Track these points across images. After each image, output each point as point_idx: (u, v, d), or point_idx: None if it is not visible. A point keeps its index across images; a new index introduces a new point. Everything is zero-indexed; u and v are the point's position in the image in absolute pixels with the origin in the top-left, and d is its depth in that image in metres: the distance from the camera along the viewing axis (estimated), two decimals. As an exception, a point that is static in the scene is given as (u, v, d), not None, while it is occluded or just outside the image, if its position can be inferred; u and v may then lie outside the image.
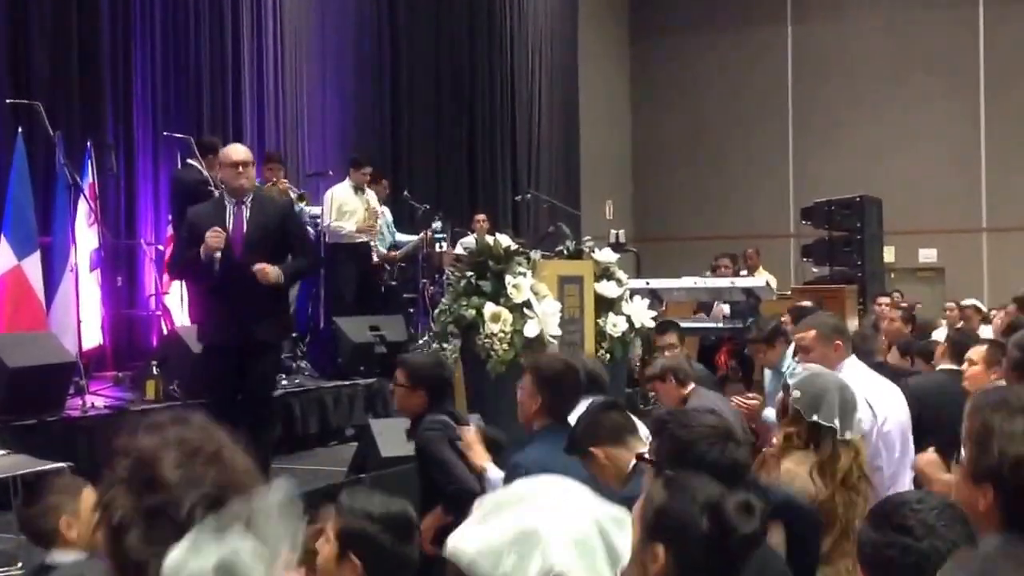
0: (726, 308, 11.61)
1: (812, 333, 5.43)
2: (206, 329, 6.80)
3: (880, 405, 5.02)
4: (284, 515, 1.61)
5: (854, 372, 5.19)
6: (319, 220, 10.59)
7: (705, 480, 2.44)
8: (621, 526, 1.85)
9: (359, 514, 3.08)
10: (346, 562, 3.02)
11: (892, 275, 17.76)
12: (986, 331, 11.34)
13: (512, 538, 1.78)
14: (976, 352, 5.89)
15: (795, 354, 6.63)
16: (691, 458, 3.00)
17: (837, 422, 4.06)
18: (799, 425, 4.13)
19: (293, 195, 10.34)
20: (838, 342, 5.39)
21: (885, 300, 12.92)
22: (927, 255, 19.93)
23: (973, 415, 3.77)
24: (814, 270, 15.26)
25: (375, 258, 10.71)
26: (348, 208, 10.77)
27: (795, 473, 4.06)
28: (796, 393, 4.21)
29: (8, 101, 8.95)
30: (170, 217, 10.01)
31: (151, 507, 1.59)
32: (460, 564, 1.81)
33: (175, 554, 1.54)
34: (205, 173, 9.12)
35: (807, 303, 9.74)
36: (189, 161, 9.47)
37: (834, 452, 4.05)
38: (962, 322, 12.90)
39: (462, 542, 1.82)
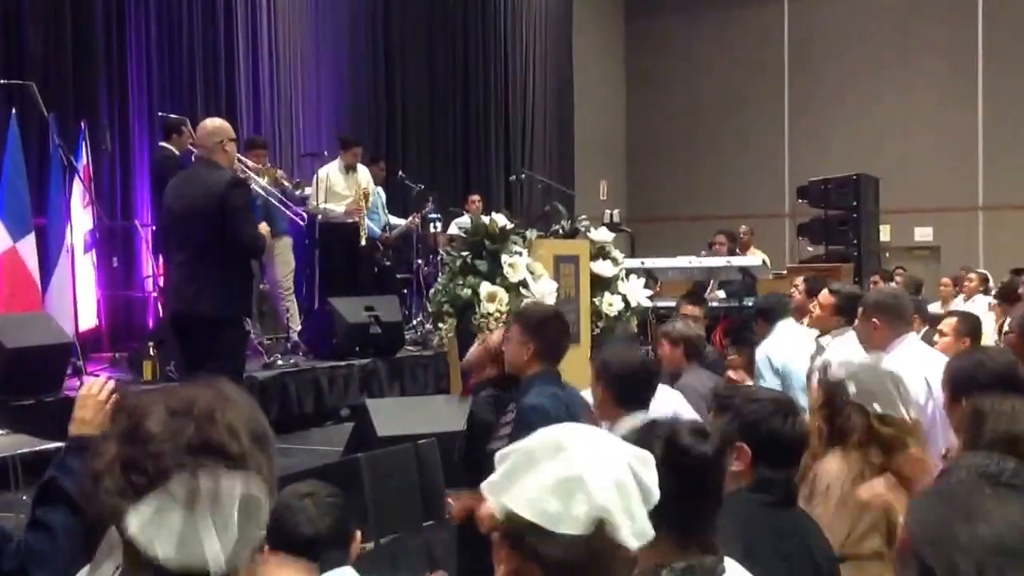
0: (720, 293, 11.63)
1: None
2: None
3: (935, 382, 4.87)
4: (248, 511, 1.61)
5: (910, 350, 5.14)
6: (311, 201, 10.57)
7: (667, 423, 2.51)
8: (647, 464, 1.88)
9: None
10: None
11: (887, 254, 17.78)
12: (982, 301, 11.39)
13: (554, 484, 1.80)
14: (947, 324, 5.97)
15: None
16: (764, 432, 3.08)
17: (902, 409, 3.84)
18: (846, 417, 3.87)
19: (287, 183, 10.29)
20: (875, 320, 5.29)
21: (876, 277, 12.94)
22: (923, 234, 19.93)
23: (961, 377, 3.85)
24: (809, 249, 15.31)
25: (362, 240, 10.65)
26: (338, 189, 10.76)
27: (840, 475, 3.83)
28: (851, 385, 3.87)
29: (1, 82, 8.92)
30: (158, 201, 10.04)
31: (130, 457, 1.59)
32: (504, 516, 1.83)
33: (145, 512, 1.55)
34: (178, 152, 9.21)
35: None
36: (161, 143, 9.51)
37: (894, 444, 3.82)
38: (963, 291, 12.97)
39: (504, 495, 1.83)
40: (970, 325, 6.01)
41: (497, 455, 1.90)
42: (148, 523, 1.55)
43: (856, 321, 5.60)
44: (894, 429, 3.79)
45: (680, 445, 2.38)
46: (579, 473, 1.80)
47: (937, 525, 1.60)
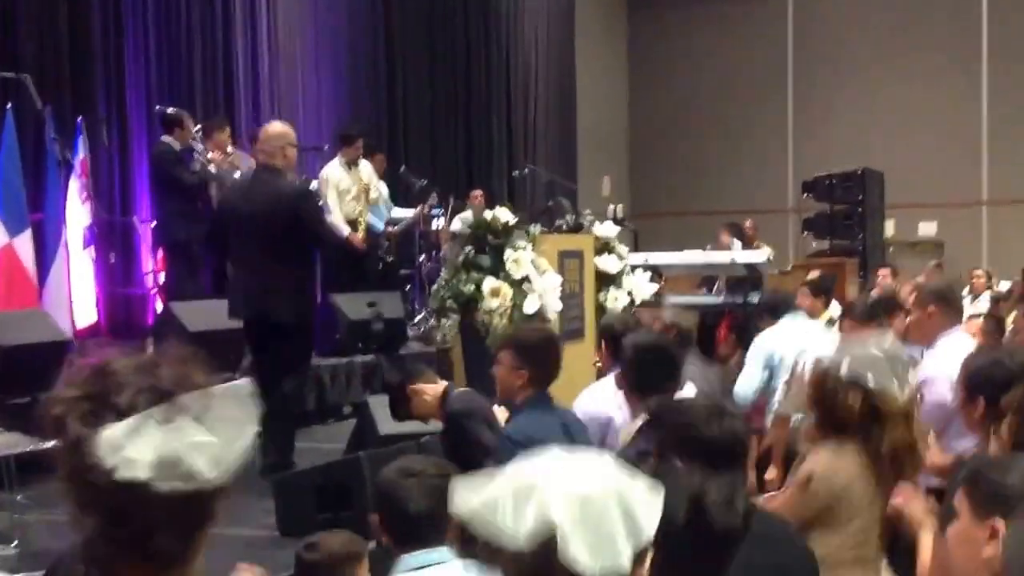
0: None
1: (912, 297, 5.36)
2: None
3: None
4: (238, 413, 1.51)
5: (955, 343, 5.01)
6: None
7: (693, 471, 2.38)
8: (648, 501, 1.70)
9: None
10: None
11: (892, 249, 17.70)
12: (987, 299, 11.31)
13: (511, 490, 1.67)
14: (972, 325, 5.93)
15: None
16: (693, 437, 2.97)
17: (896, 385, 3.73)
18: (841, 400, 3.76)
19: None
20: (932, 308, 5.20)
21: (885, 271, 12.83)
22: (927, 228, 19.84)
23: (978, 374, 3.73)
24: (814, 244, 15.25)
25: (360, 234, 10.50)
26: (344, 187, 10.64)
27: (836, 467, 3.74)
28: (843, 365, 3.77)
29: (-4, 75, 8.82)
30: (157, 197, 9.94)
31: (93, 393, 1.49)
32: (461, 517, 1.71)
33: (112, 431, 1.44)
34: (178, 145, 9.19)
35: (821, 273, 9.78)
36: (162, 138, 9.41)
37: (885, 425, 3.72)
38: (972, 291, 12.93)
39: (463, 497, 1.71)
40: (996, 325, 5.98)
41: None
42: (121, 443, 1.43)
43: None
44: (892, 407, 3.68)
45: (707, 513, 2.24)
46: (533, 481, 1.67)
47: None
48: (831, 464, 3.67)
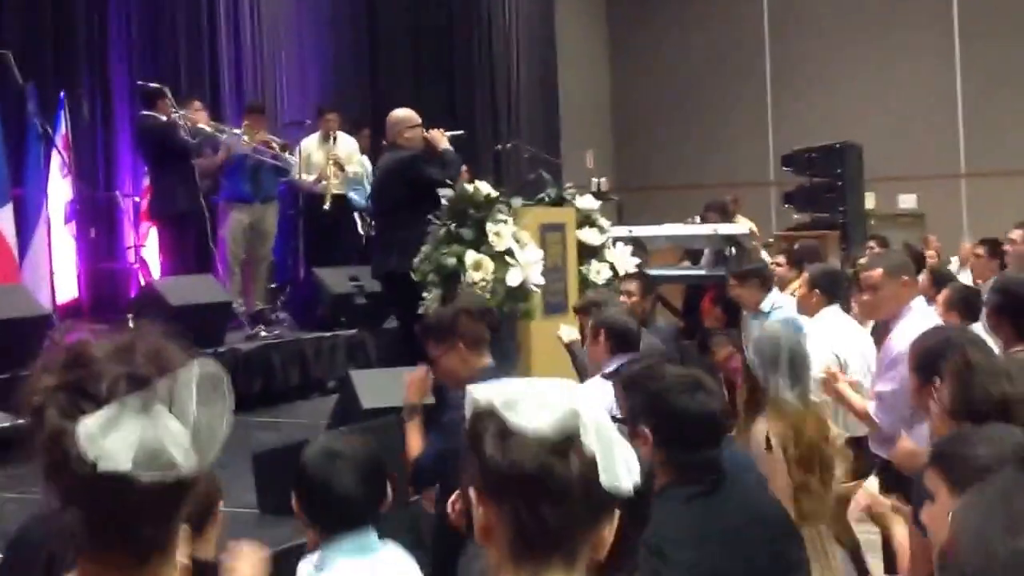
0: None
1: (879, 271, 5.19)
2: None
3: None
4: (214, 397, 1.51)
5: (923, 313, 5.01)
6: (293, 172, 10.47)
7: None
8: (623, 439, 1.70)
9: None
10: None
11: (873, 221, 17.75)
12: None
13: (543, 386, 1.66)
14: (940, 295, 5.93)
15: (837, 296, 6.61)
16: (667, 408, 2.94)
17: (782, 380, 3.93)
18: (756, 387, 4.02)
19: (276, 146, 10.24)
20: (905, 278, 5.15)
21: (872, 244, 12.89)
22: (907, 200, 19.90)
23: (930, 357, 3.68)
24: (795, 217, 15.28)
25: (326, 205, 10.51)
26: (314, 159, 10.71)
27: (759, 439, 3.95)
28: (751, 354, 4.10)
29: (-24, 51, 8.77)
30: (146, 168, 9.91)
31: (71, 381, 1.48)
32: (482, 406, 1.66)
33: (91, 421, 1.44)
34: (163, 118, 9.18)
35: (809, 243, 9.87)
36: (144, 112, 9.37)
37: (789, 413, 3.93)
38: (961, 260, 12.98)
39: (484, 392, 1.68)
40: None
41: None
42: (97, 435, 1.43)
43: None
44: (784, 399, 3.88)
45: None
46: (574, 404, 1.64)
47: (977, 536, 1.52)
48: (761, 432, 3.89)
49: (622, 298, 7.77)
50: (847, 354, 5.67)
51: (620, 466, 1.63)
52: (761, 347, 4.12)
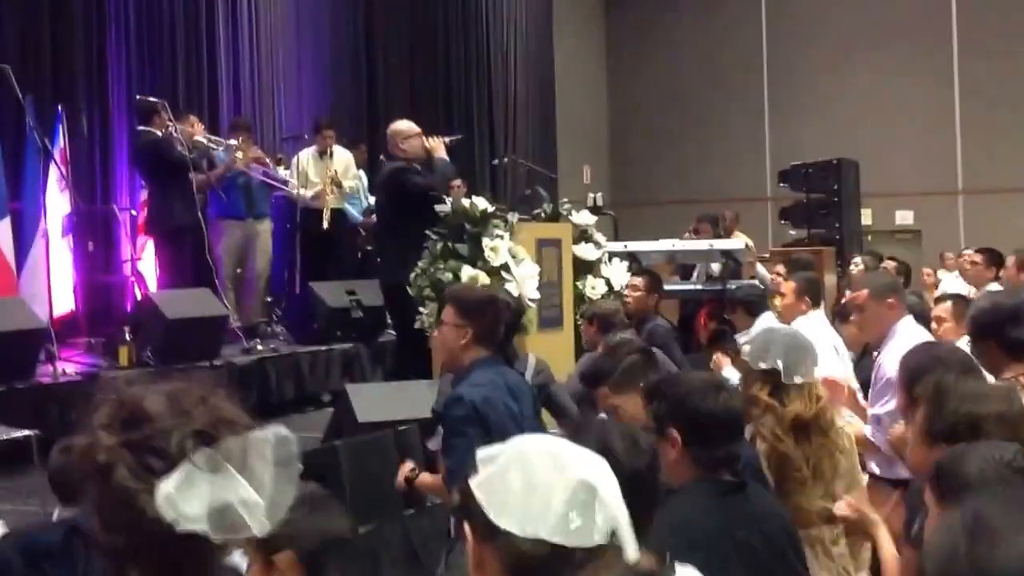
0: (715, 267, 11.62)
1: (864, 292, 5.17)
2: None
3: None
4: (280, 459, 1.55)
5: (911, 334, 4.91)
6: (292, 183, 10.49)
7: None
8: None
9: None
10: None
11: (869, 237, 17.79)
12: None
13: (568, 497, 1.67)
14: (943, 309, 5.87)
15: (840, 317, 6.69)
16: (691, 409, 3.09)
17: (780, 363, 3.99)
18: (752, 379, 4.10)
19: (270, 161, 10.28)
20: (891, 300, 5.09)
21: (857, 259, 12.93)
22: (904, 217, 19.94)
23: (919, 375, 3.69)
24: (791, 232, 15.32)
25: (324, 224, 10.51)
26: (310, 174, 10.72)
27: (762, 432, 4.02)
28: (745, 347, 4.20)
29: (-26, 65, 8.79)
30: (143, 183, 9.92)
31: (137, 440, 1.51)
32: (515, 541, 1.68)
33: (167, 487, 1.46)
34: (160, 133, 9.19)
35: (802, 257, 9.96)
36: (142, 128, 9.38)
37: (784, 397, 3.99)
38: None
39: (505, 517, 1.69)
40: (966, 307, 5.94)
41: (480, 458, 1.76)
42: (174, 498, 1.46)
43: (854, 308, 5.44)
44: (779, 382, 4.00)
45: (615, 457, 2.22)
46: (592, 482, 1.70)
47: (943, 549, 1.54)
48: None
49: (627, 292, 8.21)
50: (826, 362, 5.70)
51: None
52: (756, 339, 4.22)
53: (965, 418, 2.91)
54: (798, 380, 4.02)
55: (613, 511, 1.68)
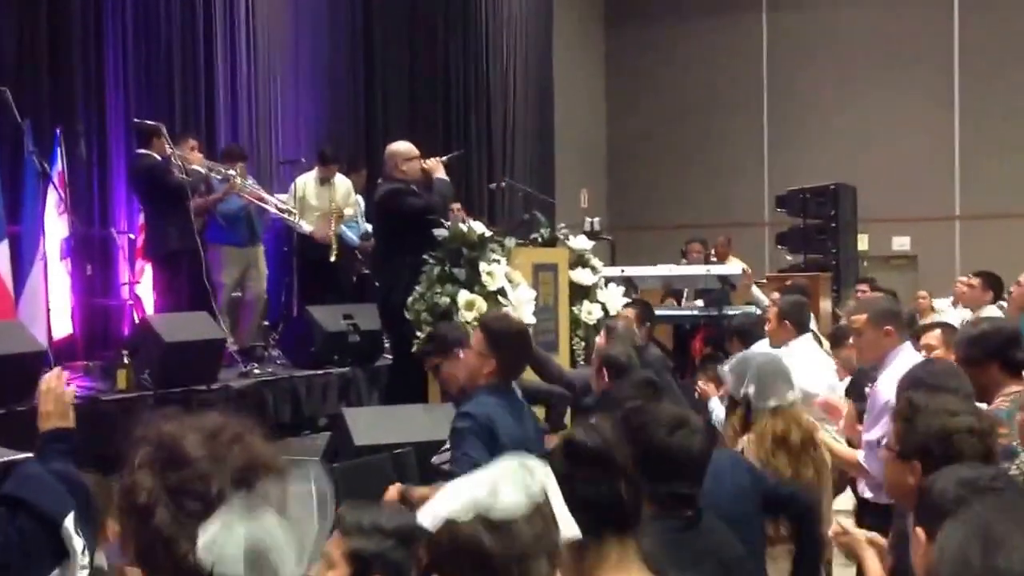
0: (699, 301, 11.65)
1: (863, 317, 5.16)
2: None
3: None
4: (317, 502, 1.58)
5: (908, 361, 4.87)
6: (287, 207, 10.51)
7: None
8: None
9: (371, 532, 2.69)
10: None
11: (866, 263, 17.82)
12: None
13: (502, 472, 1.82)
14: (933, 336, 5.89)
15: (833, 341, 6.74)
16: (642, 441, 3.02)
17: (752, 390, 4.10)
18: (734, 405, 4.25)
19: (265, 195, 10.28)
20: (889, 327, 5.06)
21: (863, 287, 12.95)
22: (900, 243, 19.99)
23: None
24: (788, 258, 15.35)
25: (332, 257, 10.53)
26: (311, 201, 10.73)
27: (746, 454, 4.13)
28: (726, 375, 4.32)
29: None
30: (140, 207, 9.94)
31: (177, 484, 1.54)
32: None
33: (210, 532, 1.50)
34: (158, 156, 9.19)
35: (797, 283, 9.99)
36: (141, 151, 9.41)
37: (760, 421, 4.12)
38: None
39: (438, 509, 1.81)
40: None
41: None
42: (214, 543, 1.50)
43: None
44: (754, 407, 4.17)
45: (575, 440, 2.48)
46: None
47: (956, 559, 1.58)
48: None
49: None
50: (815, 387, 5.73)
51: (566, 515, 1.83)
52: (732, 367, 4.35)
53: (937, 433, 2.97)
54: (772, 404, 4.14)
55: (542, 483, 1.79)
